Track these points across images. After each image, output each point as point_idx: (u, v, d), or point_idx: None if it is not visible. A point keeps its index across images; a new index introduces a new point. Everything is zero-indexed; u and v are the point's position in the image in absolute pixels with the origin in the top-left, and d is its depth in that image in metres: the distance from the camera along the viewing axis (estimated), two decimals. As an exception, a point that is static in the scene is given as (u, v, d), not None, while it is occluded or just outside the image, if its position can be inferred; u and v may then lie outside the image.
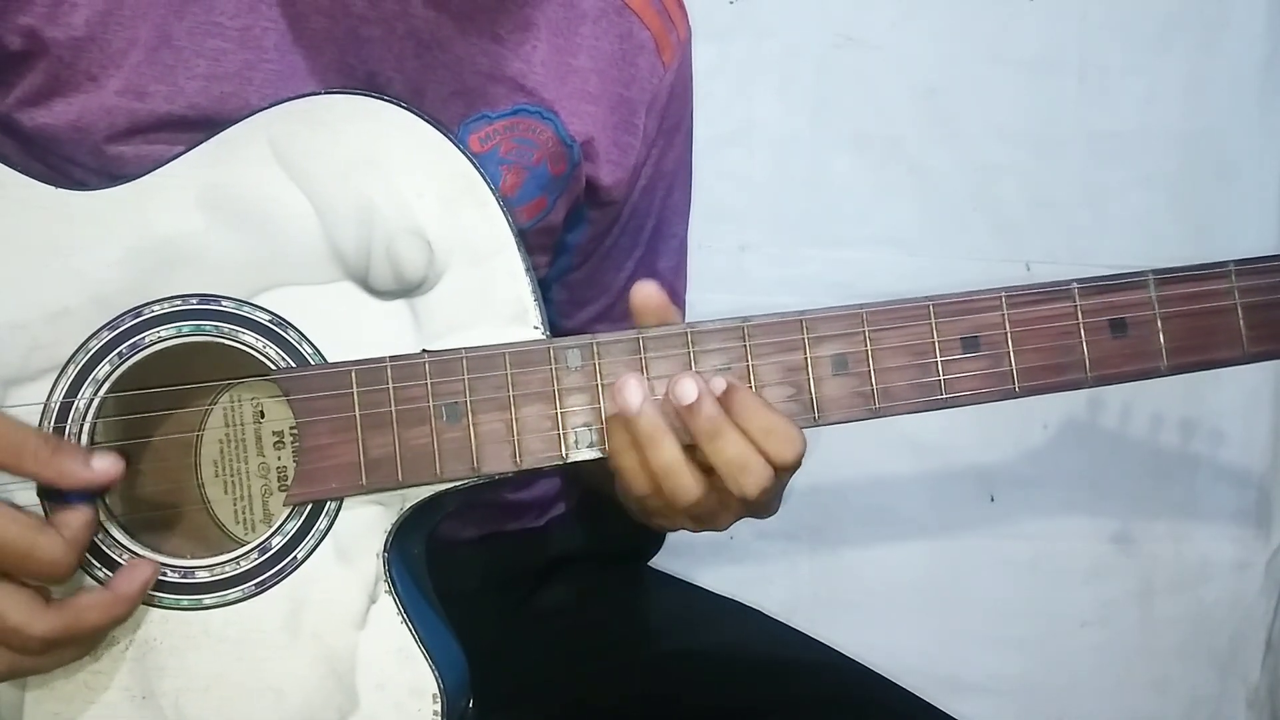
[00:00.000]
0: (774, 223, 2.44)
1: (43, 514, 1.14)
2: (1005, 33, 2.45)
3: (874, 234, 2.45)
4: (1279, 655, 2.59)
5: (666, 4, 1.49)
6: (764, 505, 1.21)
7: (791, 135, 2.43)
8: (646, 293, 1.21)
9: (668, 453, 1.16)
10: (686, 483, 1.16)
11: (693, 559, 2.30)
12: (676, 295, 1.66)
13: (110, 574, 1.17)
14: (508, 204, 1.20)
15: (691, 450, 1.16)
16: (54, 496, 1.14)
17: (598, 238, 1.54)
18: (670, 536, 1.69)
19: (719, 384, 1.16)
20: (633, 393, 1.15)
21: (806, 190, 2.44)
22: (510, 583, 1.62)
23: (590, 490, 1.65)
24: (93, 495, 1.15)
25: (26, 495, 1.15)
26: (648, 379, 1.17)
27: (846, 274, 2.41)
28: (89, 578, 1.17)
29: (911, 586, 2.53)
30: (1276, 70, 2.50)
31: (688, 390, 1.14)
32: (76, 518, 1.13)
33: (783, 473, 1.18)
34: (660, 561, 1.74)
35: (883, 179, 2.45)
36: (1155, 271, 1.22)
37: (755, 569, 2.49)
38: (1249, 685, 2.60)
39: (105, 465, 1.14)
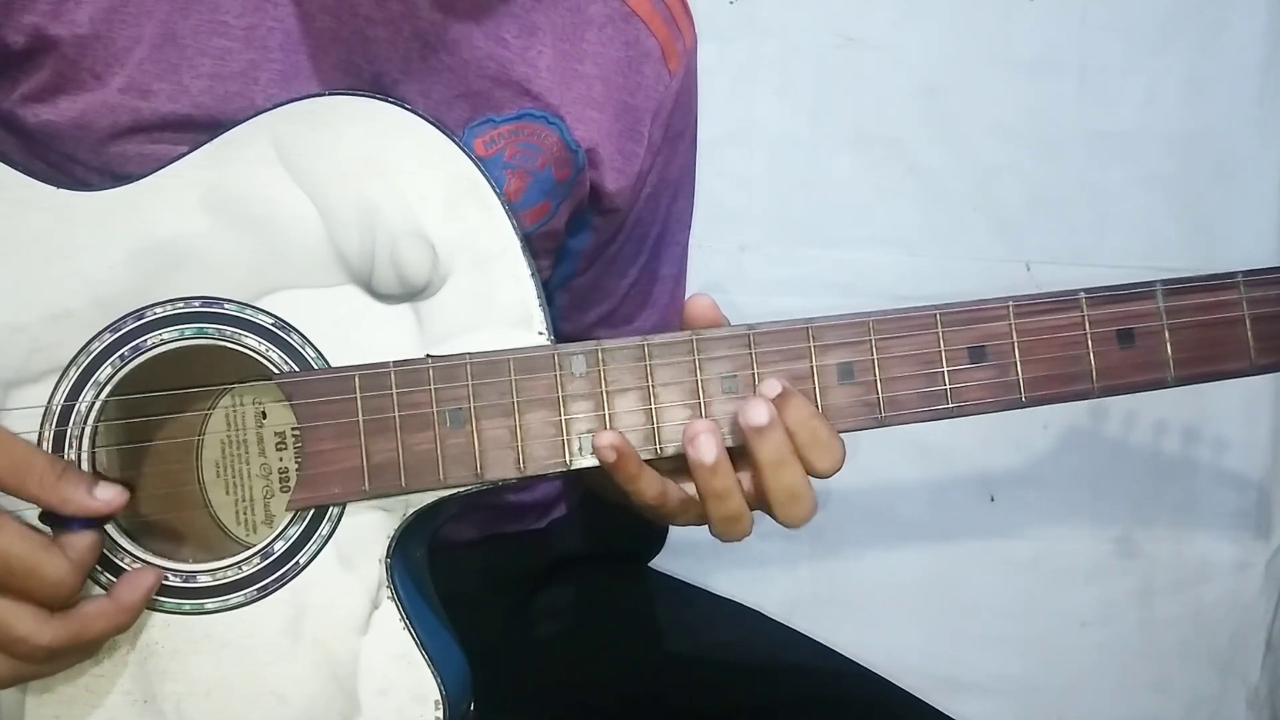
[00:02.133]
0: (774, 223, 2.45)
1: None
2: (1005, 33, 2.46)
3: (874, 234, 2.45)
4: (1279, 655, 2.59)
5: (673, 12, 1.48)
6: None
7: (791, 135, 2.44)
8: (703, 306, 1.22)
9: (737, 501, 1.19)
10: (744, 526, 1.21)
11: (693, 559, 2.29)
12: (678, 302, 1.66)
13: (112, 577, 1.17)
14: (511, 208, 1.20)
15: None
16: (56, 521, 1.14)
17: (602, 245, 1.54)
18: (670, 536, 1.69)
19: (773, 386, 1.16)
20: (708, 447, 1.16)
21: (806, 190, 2.44)
22: (511, 584, 1.62)
23: (591, 492, 1.65)
24: (95, 522, 1.15)
25: (32, 516, 1.15)
26: (652, 386, 1.18)
27: (847, 274, 2.41)
28: (91, 582, 1.17)
29: (911, 587, 2.53)
30: (1276, 70, 2.50)
31: (758, 414, 1.15)
32: (82, 540, 1.12)
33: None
34: (660, 562, 1.74)
35: (883, 179, 2.46)
36: (1163, 282, 1.22)
37: (755, 569, 2.49)
38: (1249, 685, 2.61)
39: (109, 495, 1.13)
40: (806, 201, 2.44)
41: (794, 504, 1.17)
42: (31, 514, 1.15)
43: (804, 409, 1.16)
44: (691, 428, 1.16)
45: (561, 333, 1.39)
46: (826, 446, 1.17)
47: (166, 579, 1.17)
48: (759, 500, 1.19)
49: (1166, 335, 1.21)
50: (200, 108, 1.28)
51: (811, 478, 1.19)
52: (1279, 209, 2.54)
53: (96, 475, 1.17)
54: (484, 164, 1.21)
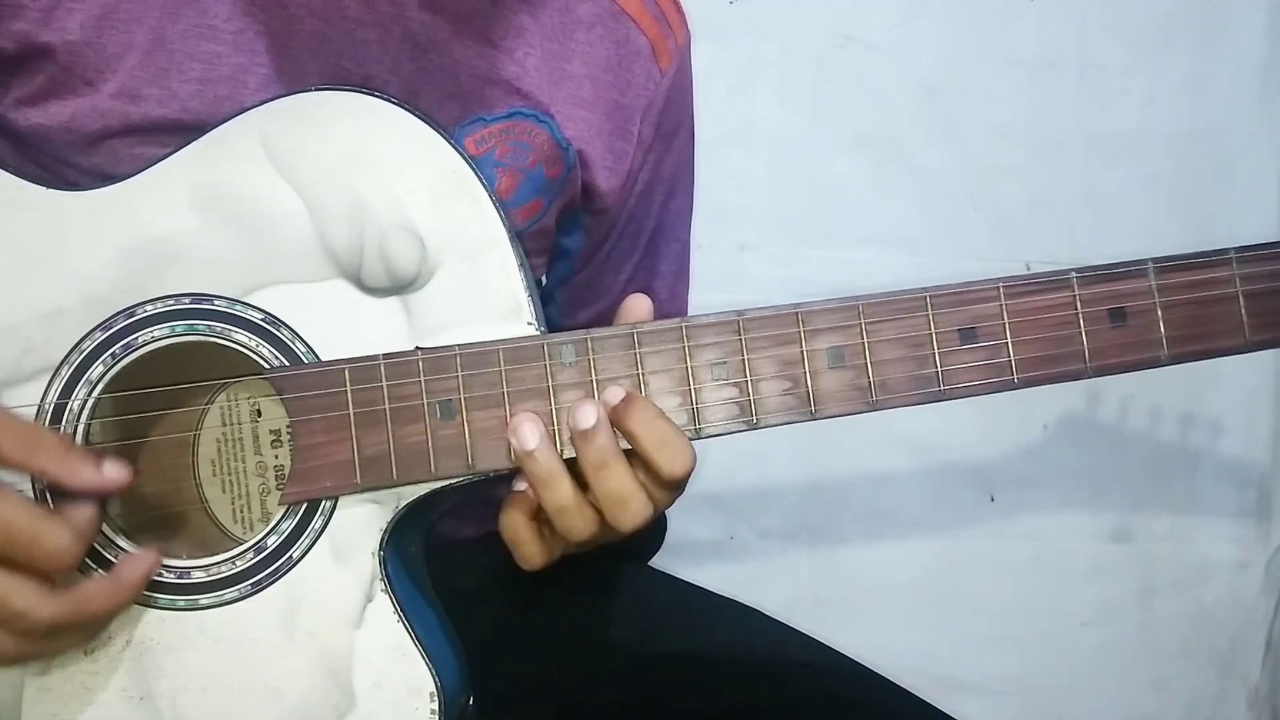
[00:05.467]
0: (774, 223, 2.45)
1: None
2: (1005, 33, 2.47)
3: (874, 234, 2.46)
4: (1279, 655, 2.59)
5: (664, 9, 1.48)
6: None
7: (791, 135, 2.44)
8: (635, 306, 1.23)
9: (563, 492, 1.17)
10: (579, 521, 1.18)
11: (693, 559, 2.30)
12: (679, 298, 1.67)
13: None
14: (502, 207, 1.20)
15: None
16: (59, 496, 1.14)
17: (596, 244, 1.55)
18: (670, 536, 1.69)
19: (616, 393, 1.17)
20: (530, 434, 1.16)
21: (806, 190, 2.45)
22: (510, 582, 1.61)
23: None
24: (98, 498, 1.15)
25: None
26: (642, 374, 1.18)
27: (846, 274, 2.42)
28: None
29: (911, 586, 2.53)
30: (1276, 70, 2.51)
31: (586, 416, 1.15)
32: (82, 511, 1.13)
33: (669, 490, 1.19)
34: (660, 561, 1.73)
35: (883, 179, 2.46)
36: (1155, 260, 1.21)
37: (755, 569, 2.49)
38: (1249, 685, 2.61)
39: (115, 470, 1.13)
40: (806, 201, 2.45)
41: (621, 508, 1.16)
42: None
43: (648, 411, 1.16)
44: (513, 421, 1.16)
45: (561, 330, 1.39)
46: (675, 447, 1.16)
47: (161, 574, 1.17)
48: (596, 510, 1.19)
49: (1159, 313, 1.20)
50: (190, 112, 1.28)
51: (666, 490, 1.19)
52: (1279, 209, 2.53)
53: (101, 449, 1.18)
54: (476, 162, 1.20)
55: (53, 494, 1.15)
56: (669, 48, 1.48)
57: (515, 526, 1.21)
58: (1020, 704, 2.56)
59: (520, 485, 1.20)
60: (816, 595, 2.51)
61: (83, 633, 1.16)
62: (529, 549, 1.22)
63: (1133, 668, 2.59)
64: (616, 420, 1.16)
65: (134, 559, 1.15)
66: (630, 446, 1.17)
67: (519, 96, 1.39)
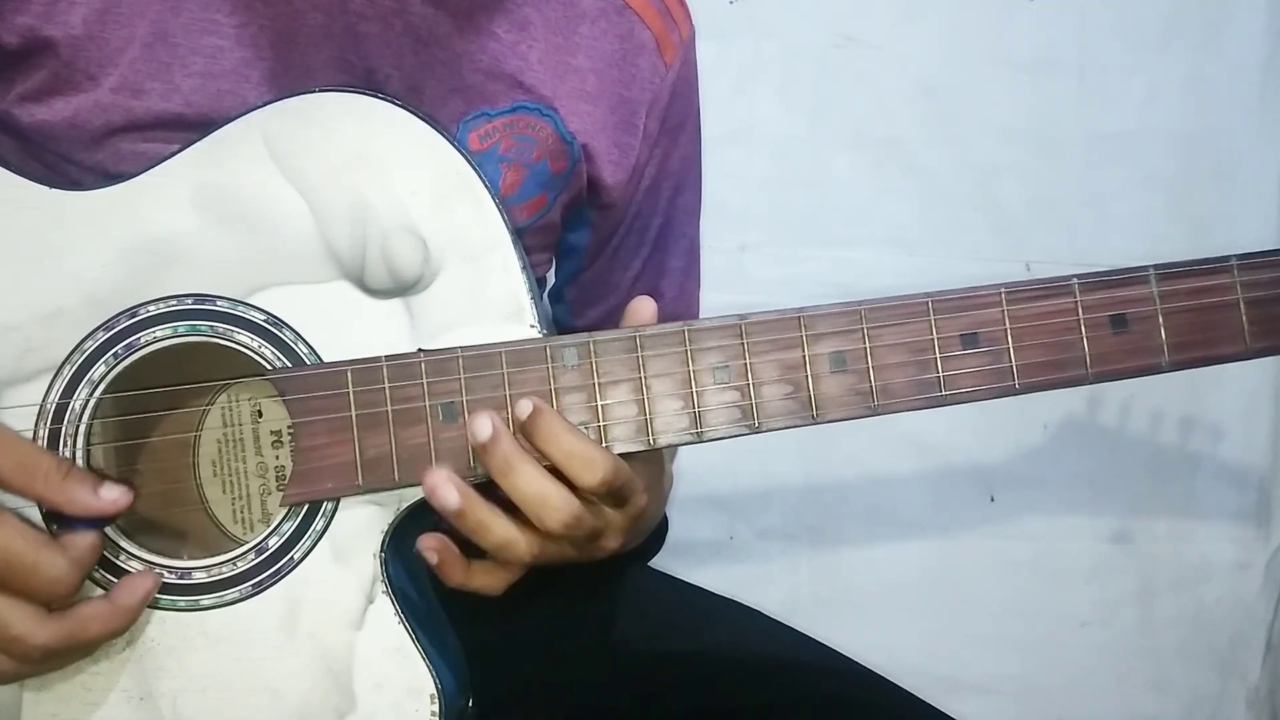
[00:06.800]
0: (774, 223, 2.46)
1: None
2: (1005, 33, 2.47)
3: (874, 234, 2.46)
4: (1279, 655, 2.59)
5: (668, 3, 1.48)
6: (599, 541, 1.23)
7: (791, 135, 2.44)
8: (640, 308, 1.22)
9: (498, 531, 1.17)
10: (520, 550, 1.18)
11: (693, 559, 2.30)
12: (689, 295, 1.66)
13: (108, 575, 1.17)
14: (508, 202, 1.20)
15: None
16: (61, 521, 1.14)
17: (603, 240, 1.55)
18: (670, 536, 1.69)
19: (524, 407, 1.15)
20: (449, 496, 1.14)
21: (806, 190, 2.45)
22: (511, 583, 1.61)
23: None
24: (98, 522, 1.15)
25: (33, 517, 1.15)
26: (644, 377, 1.18)
27: (846, 274, 2.42)
28: (86, 579, 1.16)
29: (911, 586, 2.54)
30: (1276, 70, 2.51)
31: (483, 428, 1.14)
32: (83, 539, 1.12)
33: (595, 500, 1.18)
34: (660, 561, 1.73)
35: (883, 179, 2.46)
36: (1156, 266, 1.21)
37: (755, 569, 2.49)
38: (1249, 685, 2.61)
39: (114, 495, 1.13)
40: (806, 201, 2.45)
41: (542, 508, 1.15)
42: (33, 515, 1.15)
43: (553, 425, 1.15)
44: (428, 481, 1.14)
45: (571, 329, 1.39)
46: (582, 460, 1.15)
47: (162, 574, 1.17)
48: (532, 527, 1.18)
49: (1160, 320, 1.20)
50: (192, 106, 1.28)
51: (590, 499, 1.18)
52: (1279, 209, 2.54)
53: (101, 475, 1.17)
54: (480, 158, 1.21)
55: (54, 519, 1.15)
56: (673, 41, 1.48)
57: (462, 583, 1.21)
58: (1020, 704, 2.56)
59: (434, 559, 1.19)
60: (816, 595, 2.51)
61: (80, 654, 1.16)
62: (488, 585, 1.22)
63: (1133, 668, 2.59)
64: (525, 435, 1.16)
65: (132, 581, 1.15)
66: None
67: (522, 90, 1.39)
